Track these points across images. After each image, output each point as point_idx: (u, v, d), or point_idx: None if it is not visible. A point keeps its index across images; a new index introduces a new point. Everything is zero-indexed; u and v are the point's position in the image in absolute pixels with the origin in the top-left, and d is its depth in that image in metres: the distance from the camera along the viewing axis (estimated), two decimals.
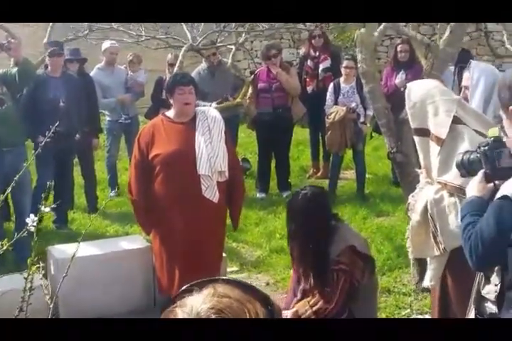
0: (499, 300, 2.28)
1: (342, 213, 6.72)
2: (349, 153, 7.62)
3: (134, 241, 5.14)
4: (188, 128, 4.45)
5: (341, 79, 7.27)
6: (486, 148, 2.41)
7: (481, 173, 2.44)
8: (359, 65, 4.91)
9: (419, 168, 3.59)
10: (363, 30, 4.84)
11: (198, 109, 4.62)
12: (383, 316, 4.66)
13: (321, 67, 7.83)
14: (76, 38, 6.87)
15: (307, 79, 7.88)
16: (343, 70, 7.21)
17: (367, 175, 7.71)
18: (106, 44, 7.12)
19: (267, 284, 5.28)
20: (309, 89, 7.80)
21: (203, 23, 6.89)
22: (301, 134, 8.90)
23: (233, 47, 7.26)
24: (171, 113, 4.54)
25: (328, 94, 7.30)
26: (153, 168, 4.41)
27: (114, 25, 6.45)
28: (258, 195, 7.48)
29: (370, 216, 6.71)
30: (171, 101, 4.50)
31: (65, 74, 6.22)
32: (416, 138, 3.47)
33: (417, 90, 3.40)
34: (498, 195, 2.23)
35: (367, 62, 4.86)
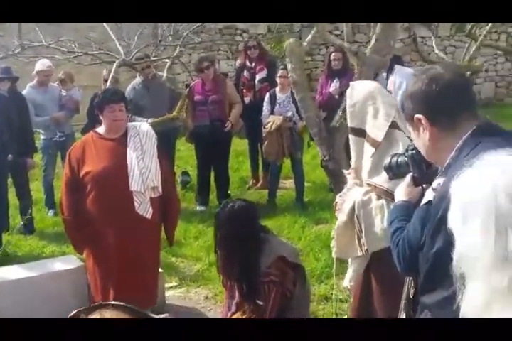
0: (414, 305, 2.30)
1: (281, 222, 6.78)
2: (288, 163, 7.65)
3: (67, 262, 5.02)
4: (119, 144, 4.40)
5: (277, 88, 7.31)
6: (414, 151, 2.41)
7: (408, 177, 2.45)
8: (289, 75, 4.95)
9: (347, 169, 3.61)
10: (291, 40, 4.89)
11: (129, 124, 4.57)
12: None
13: (258, 77, 7.87)
14: (6, 57, 6.72)
15: (244, 90, 7.90)
16: (278, 80, 7.25)
17: (305, 184, 7.75)
18: (39, 66, 6.98)
19: (206, 298, 5.24)
20: (246, 99, 7.82)
21: (136, 37, 6.84)
22: (240, 145, 8.91)
23: (168, 60, 7.21)
24: (101, 129, 4.49)
25: (264, 104, 7.34)
26: (85, 186, 4.34)
27: (45, 42, 6.33)
28: (198, 207, 7.45)
29: (308, 224, 6.75)
30: (101, 118, 4.45)
31: None
32: (351, 138, 3.47)
33: (360, 90, 3.40)
34: (424, 200, 2.24)
35: (297, 71, 4.91)
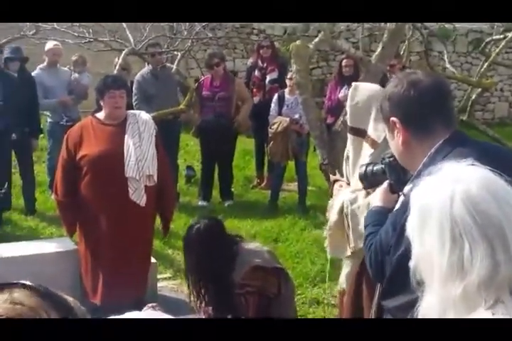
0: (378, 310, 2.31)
1: (281, 224, 6.79)
2: (293, 165, 7.65)
3: (62, 244, 5.01)
4: (118, 131, 4.43)
5: (286, 90, 7.32)
6: (392, 159, 2.41)
7: (385, 184, 2.45)
8: (293, 76, 4.96)
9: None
10: (298, 42, 4.89)
11: (129, 111, 4.60)
12: None
13: (268, 78, 7.88)
14: (19, 38, 6.79)
15: (254, 90, 7.91)
16: (288, 82, 7.26)
17: (310, 188, 7.74)
18: (49, 45, 7.04)
19: None
20: (256, 99, 7.82)
21: (147, 28, 6.88)
22: (248, 144, 8.94)
23: (179, 53, 7.24)
24: (101, 115, 4.52)
25: (272, 104, 7.34)
26: (81, 169, 4.37)
27: (57, 25, 6.39)
28: (200, 203, 7.46)
29: (308, 227, 6.74)
30: (102, 104, 4.49)
31: (3, 72, 6.14)
32: (350, 137, 3.46)
33: (364, 90, 3.39)
34: (397, 206, 2.25)
35: (301, 73, 4.91)
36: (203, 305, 3.40)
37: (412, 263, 1.46)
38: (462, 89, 10.27)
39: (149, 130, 4.49)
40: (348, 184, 3.49)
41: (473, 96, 7.36)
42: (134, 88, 7.11)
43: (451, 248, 1.37)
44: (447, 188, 1.40)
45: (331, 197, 3.60)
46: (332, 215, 3.43)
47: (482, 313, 1.33)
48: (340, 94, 7.42)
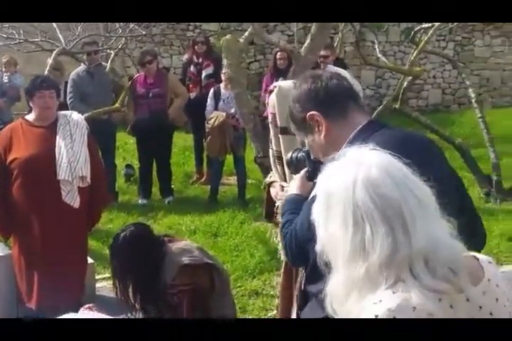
0: (306, 296, 2.36)
1: (220, 218, 6.82)
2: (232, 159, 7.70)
3: None
4: (49, 132, 4.38)
5: (222, 85, 7.34)
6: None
7: (303, 172, 2.49)
8: (224, 71, 4.99)
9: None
10: (228, 36, 4.92)
11: (60, 112, 4.55)
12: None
13: (204, 73, 7.90)
14: None
15: (190, 86, 7.92)
16: (223, 76, 7.28)
17: (250, 181, 7.80)
18: None
19: None
20: (192, 95, 7.83)
21: (80, 28, 6.81)
22: (187, 140, 8.94)
23: (112, 52, 7.20)
24: (30, 116, 4.46)
25: (208, 99, 7.37)
26: (11, 172, 4.31)
27: None
28: (140, 201, 7.45)
29: (247, 220, 6.80)
30: (31, 105, 4.43)
31: None
32: (281, 137, 3.50)
33: (285, 90, 3.43)
34: (311, 194, 2.29)
35: (233, 68, 4.95)
36: (137, 308, 3.40)
37: (318, 247, 1.50)
38: (396, 77, 10.48)
39: (81, 130, 4.45)
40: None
41: (405, 84, 7.54)
42: (68, 86, 7.06)
43: (354, 230, 1.41)
44: (349, 173, 1.45)
45: (268, 202, 3.52)
46: (279, 216, 3.43)
47: (383, 292, 1.38)
48: None
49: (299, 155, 2.63)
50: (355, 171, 1.44)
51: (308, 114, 2.11)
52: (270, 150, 3.43)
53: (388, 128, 2.16)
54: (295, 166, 2.65)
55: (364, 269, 1.40)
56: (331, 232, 1.45)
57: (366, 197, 1.41)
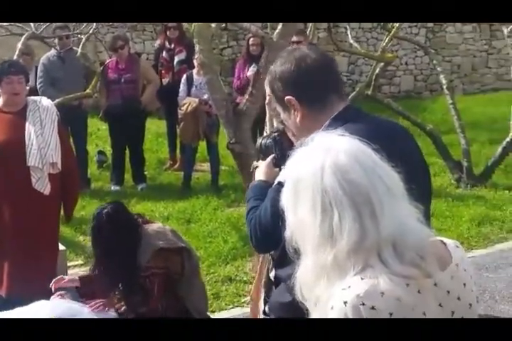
0: (274, 283, 2.37)
1: (194, 204, 6.82)
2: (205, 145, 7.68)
3: None
4: (18, 118, 4.33)
5: (194, 71, 7.30)
6: (277, 134, 2.47)
7: (269, 158, 2.48)
8: (196, 56, 4.96)
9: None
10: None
11: (29, 98, 4.49)
12: (223, 304, 4.76)
13: (176, 59, 7.84)
14: None
15: (163, 71, 7.86)
16: (195, 62, 7.23)
17: (223, 167, 7.80)
18: None
19: None
20: (165, 81, 7.78)
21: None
22: (161, 126, 8.89)
23: (84, 37, 7.10)
24: None
25: (181, 85, 7.33)
26: None
27: None
28: (112, 187, 7.41)
29: (221, 206, 6.81)
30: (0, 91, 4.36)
31: None
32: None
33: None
34: (276, 180, 2.28)
35: (205, 53, 4.92)
36: (109, 290, 3.41)
37: (287, 233, 1.49)
38: (369, 64, 10.50)
39: (51, 116, 4.40)
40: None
41: (377, 71, 7.57)
42: (38, 71, 6.97)
43: (322, 217, 1.41)
44: (318, 159, 1.44)
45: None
46: None
47: (352, 278, 1.39)
48: (249, 73, 7.46)
49: (268, 141, 2.63)
50: (324, 157, 1.44)
51: (286, 97, 2.10)
52: (265, 133, 3.43)
53: (363, 115, 2.16)
54: (264, 153, 2.65)
55: (332, 255, 1.40)
56: (300, 218, 1.45)
57: (335, 183, 1.41)
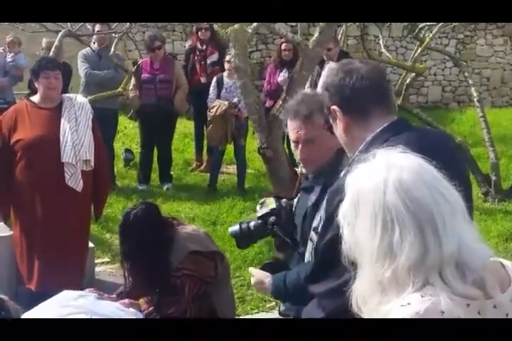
0: None
1: (220, 206, 6.82)
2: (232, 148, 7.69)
3: None
4: (54, 114, 4.37)
5: (225, 73, 7.32)
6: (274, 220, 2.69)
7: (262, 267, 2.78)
8: (231, 60, 4.96)
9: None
10: (236, 26, 4.89)
11: (65, 95, 4.54)
12: (248, 308, 4.75)
13: (209, 60, 7.86)
14: None
15: (194, 73, 7.88)
16: (226, 65, 7.26)
17: (249, 171, 7.80)
18: None
19: None
20: (202, 79, 7.80)
21: None
22: (188, 127, 8.92)
23: (117, 35, 7.14)
24: (36, 98, 4.45)
25: (211, 88, 7.34)
26: (15, 154, 4.30)
27: None
28: (139, 186, 7.43)
29: (246, 210, 6.79)
30: (36, 86, 4.42)
31: None
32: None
33: None
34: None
35: (240, 57, 4.93)
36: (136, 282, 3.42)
37: (344, 247, 1.50)
38: (397, 73, 10.46)
39: (86, 114, 4.44)
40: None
41: (408, 81, 7.53)
42: (79, 61, 7.06)
43: (382, 233, 1.41)
44: (380, 175, 1.44)
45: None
46: None
47: (411, 295, 1.38)
48: (280, 78, 7.47)
49: (253, 224, 2.74)
50: (386, 173, 1.44)
51: (331, 107, 2.14)
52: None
53: (411, 130, 2.16)
54: (251, 235, 2.78)
55: (391, 271, 1.40)
56: (359, 232, 1.45)
57: (398, 200, 1.41)
